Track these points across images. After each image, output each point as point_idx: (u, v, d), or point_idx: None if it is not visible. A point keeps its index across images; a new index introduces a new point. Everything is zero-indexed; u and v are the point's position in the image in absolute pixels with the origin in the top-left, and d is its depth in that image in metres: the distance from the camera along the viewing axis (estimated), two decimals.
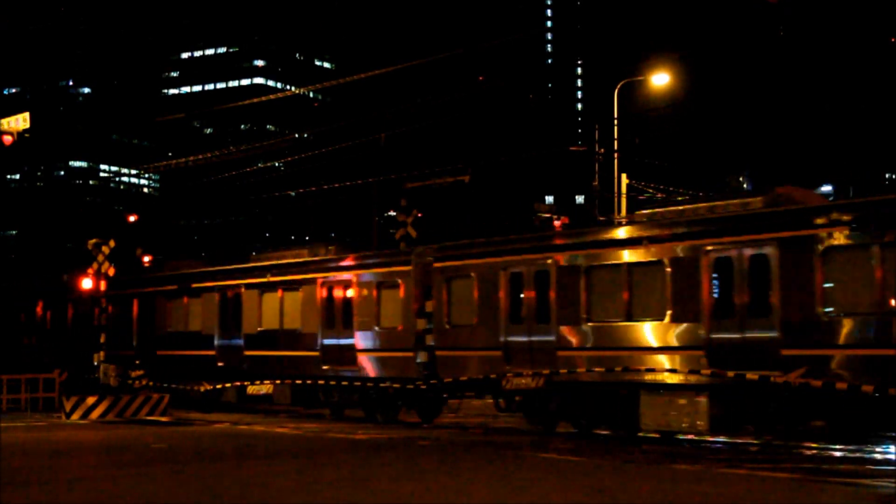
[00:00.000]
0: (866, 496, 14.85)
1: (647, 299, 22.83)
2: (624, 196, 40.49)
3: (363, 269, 29.54)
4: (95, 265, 33.53)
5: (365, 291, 29.15)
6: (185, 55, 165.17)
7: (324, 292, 30.32)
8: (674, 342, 22.19)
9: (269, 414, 32.77)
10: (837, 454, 20.12)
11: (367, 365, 28.94)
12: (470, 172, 41.29)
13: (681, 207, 23.71)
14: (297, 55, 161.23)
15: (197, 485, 16.32)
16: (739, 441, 22.94)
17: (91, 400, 30.38)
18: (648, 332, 22.67)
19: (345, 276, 29.90)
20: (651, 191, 41.91)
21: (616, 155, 41.64)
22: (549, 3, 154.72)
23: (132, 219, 79.62)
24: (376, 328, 28.81)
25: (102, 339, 34.81)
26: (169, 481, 16.75)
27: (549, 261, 24.71)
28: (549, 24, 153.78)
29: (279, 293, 31.94)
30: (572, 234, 26.23)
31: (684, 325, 22.01)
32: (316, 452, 21.05)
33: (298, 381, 30.73)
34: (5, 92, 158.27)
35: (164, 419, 30.29)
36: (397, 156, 58.81)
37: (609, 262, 23.68)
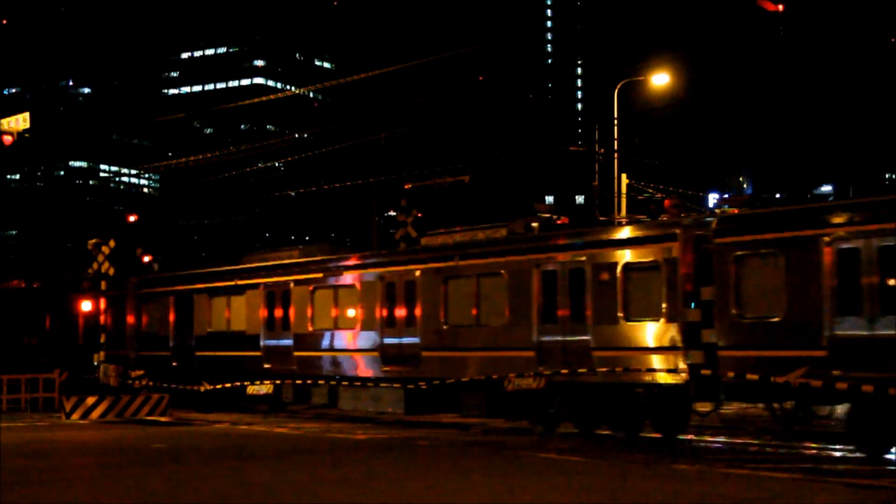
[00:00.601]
0: (866, 496, 14.85)
1: None
2: (624, 196, 40.48)
3: (599, 248, 23.71)
4: (96, 265, 33.51)
5: (605, 275, 23.36)
6: (185, 55, 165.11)
7: (540, 277, 24.74)
8: None
9: (268, 414, 32.76)
10: (837, 454, 20.07)
11: (607, 367, 23.04)
12: (470, 172, 41.25)
13: None
14: (297, 55, 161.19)
15: (197, 485, 16.32)
16: (739, 441, 22.95)
17: (91, 400, 30.39)
18: None
19: (570, 256, 24.22)
20: (651, 191, 41.91)
21: (616, 155, 41.65)
22: (549, 3, 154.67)
23: (132, 219, 79.75)
24: (623, 321, 23.04)
25: (103, 339, 34.78)
26: (169, 482, 16.76)
27: None
28: (549, 24, 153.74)
29: (473, 280, 26.35)
30: None
31: None
32: (316, 452, 21.06)
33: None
34: (5, 92, 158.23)
35: (164, 419, 30.27)
36: (397, 156, 58.86)
37: None
